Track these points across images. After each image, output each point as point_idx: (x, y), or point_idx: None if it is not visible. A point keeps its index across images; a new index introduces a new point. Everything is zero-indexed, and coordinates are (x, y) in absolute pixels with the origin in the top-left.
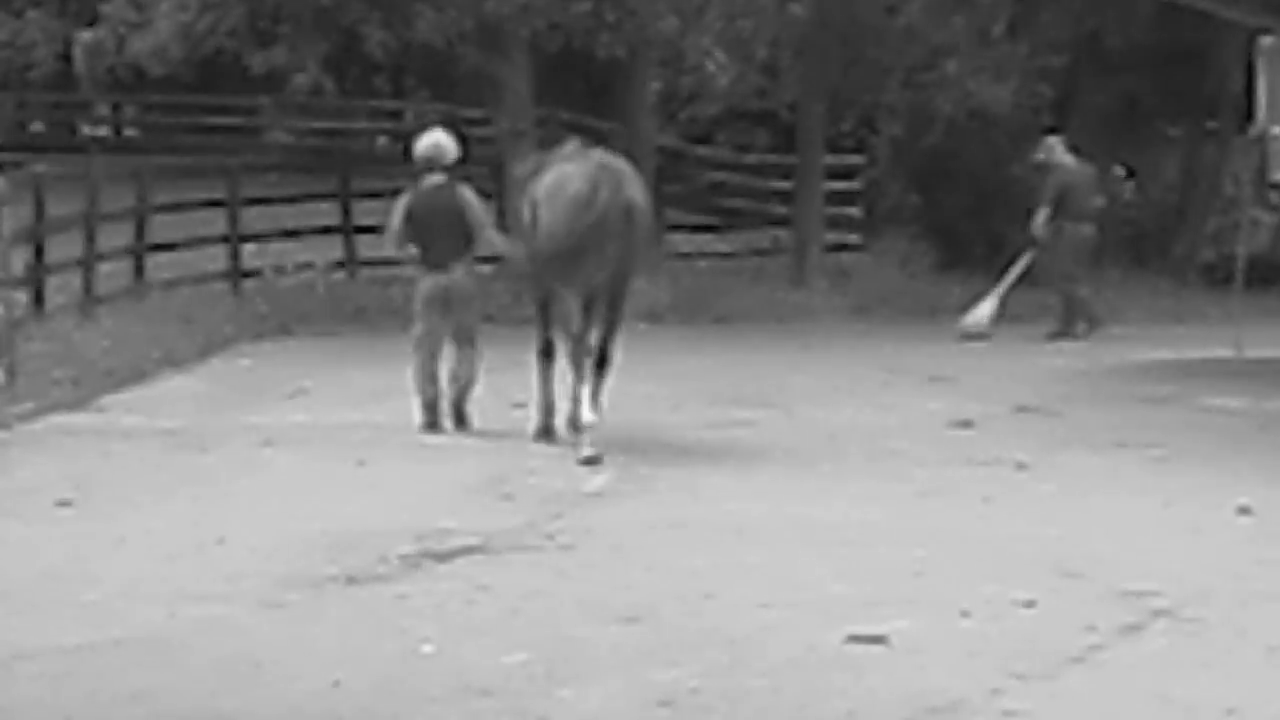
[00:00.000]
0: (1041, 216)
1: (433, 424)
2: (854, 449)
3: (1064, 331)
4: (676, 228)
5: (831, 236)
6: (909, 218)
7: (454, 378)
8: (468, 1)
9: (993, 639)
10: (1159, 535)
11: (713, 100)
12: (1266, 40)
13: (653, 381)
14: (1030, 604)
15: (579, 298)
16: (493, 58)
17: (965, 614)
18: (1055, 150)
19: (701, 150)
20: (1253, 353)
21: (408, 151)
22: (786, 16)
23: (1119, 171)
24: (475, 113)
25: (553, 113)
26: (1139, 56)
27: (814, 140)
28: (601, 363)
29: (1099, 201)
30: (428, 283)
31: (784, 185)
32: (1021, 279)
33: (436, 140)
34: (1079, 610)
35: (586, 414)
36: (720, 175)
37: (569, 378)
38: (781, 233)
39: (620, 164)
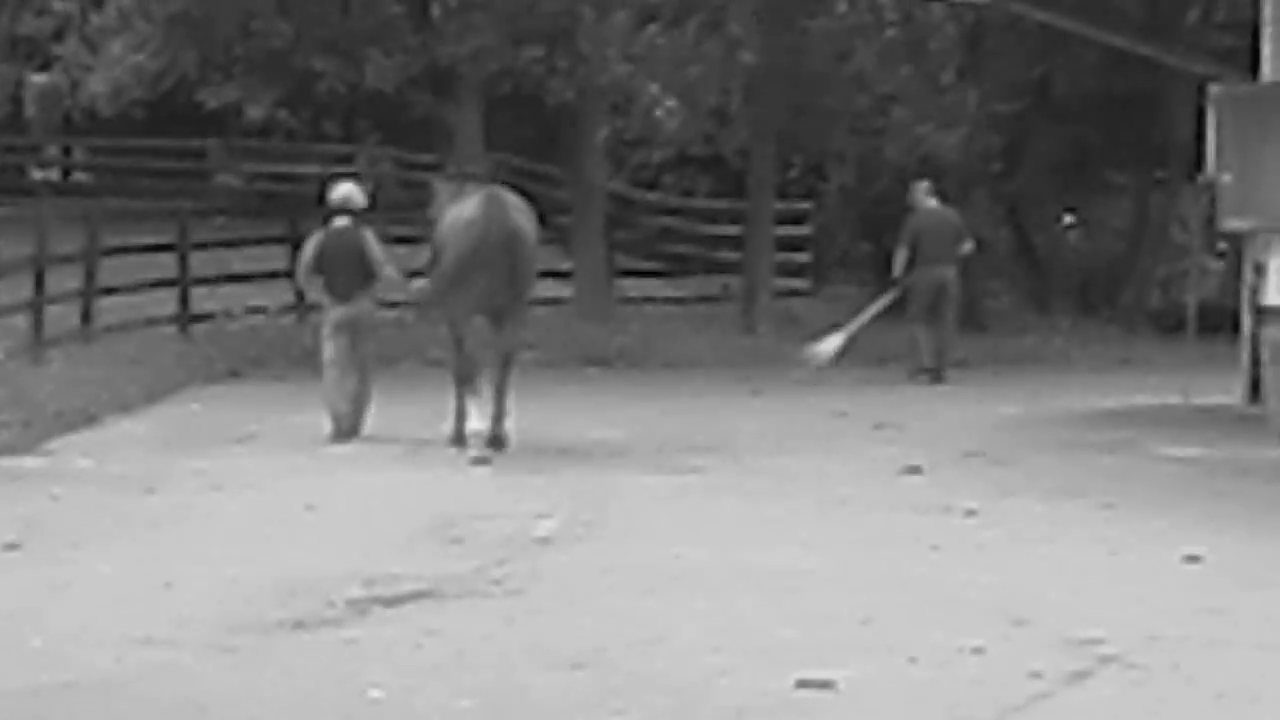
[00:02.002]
0: (899, 259)
1: (340, 435)
2: (803, 495)
3: (928, 369)
4: (626, 273)
5: (781, 282)
6: (858, 264)
7: (353, 398)
8: (418, 46)
9: (940, 685)
10: (1107, 582)
11: (661, 145)
12: (1216, 88)
13: (602, 427)
14: (978, 650)
15: (482, 318)
16: (443, 103)
17: (913, 660)
18: (917, 195)
19: (651, 196)
20: (1201, 400)
21: (322, 198)
22: (735, 63)
23: (1067, 219)
24: (426, 158)
25: (503, 158)
26: (1088, 104)
27: (764, 186)
28: (502, 378)
29: (966, 247)
30: (335, 312)
31: (733, 231)
32: (877, 318)
33: (347, 190)
34: (1026, 657)
35: (475, 423)
36: (669, 221)
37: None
38: (731, 279)
39: (509, 196)
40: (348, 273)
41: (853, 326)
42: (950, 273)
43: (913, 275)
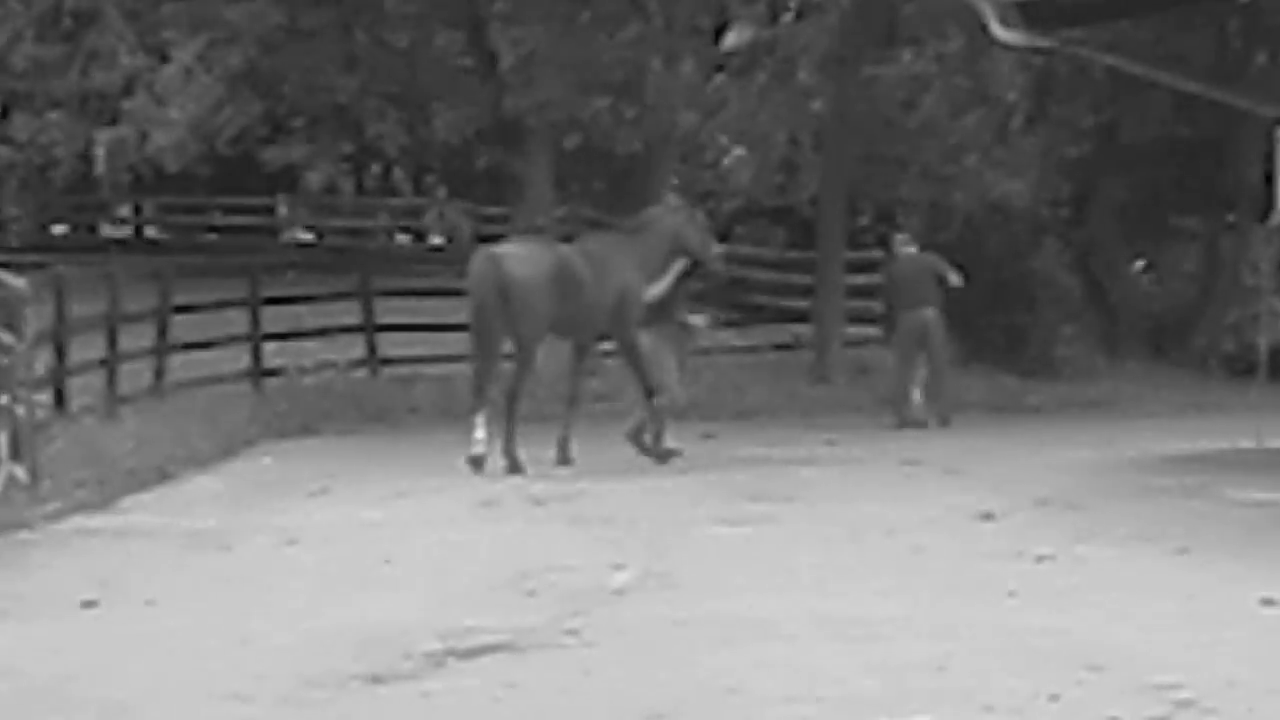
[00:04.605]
0: (891, 307)
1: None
2: (877, 543)
3: (904, 420)
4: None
5: (852, 331)
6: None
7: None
8: (485, 99)
9: None
10: (1182, 627)
11: (732, 195)
12: None
13: (674, 477)
14: (1055, 698)
15: (489, 359)
16: (512, 154)
17: (989, 708)
18: (895, 244)
19: (721, 245)
20: (1275, 443)
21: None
22: (804, 112)
23: (1138, 264)
24: (496, 210)
25: (573, 209)
26: (1157, 149)
27: (834, 235)
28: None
29: (953, 281)
30: None
31: (804, 280)
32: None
33: None
34: (1103, 703)
35: (478, 433)
36: (740, 271)
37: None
38: (802, 328)
39: (506, 248)
40: None
41: (916, 379)
42: (931, 314)
43: (896, 321)
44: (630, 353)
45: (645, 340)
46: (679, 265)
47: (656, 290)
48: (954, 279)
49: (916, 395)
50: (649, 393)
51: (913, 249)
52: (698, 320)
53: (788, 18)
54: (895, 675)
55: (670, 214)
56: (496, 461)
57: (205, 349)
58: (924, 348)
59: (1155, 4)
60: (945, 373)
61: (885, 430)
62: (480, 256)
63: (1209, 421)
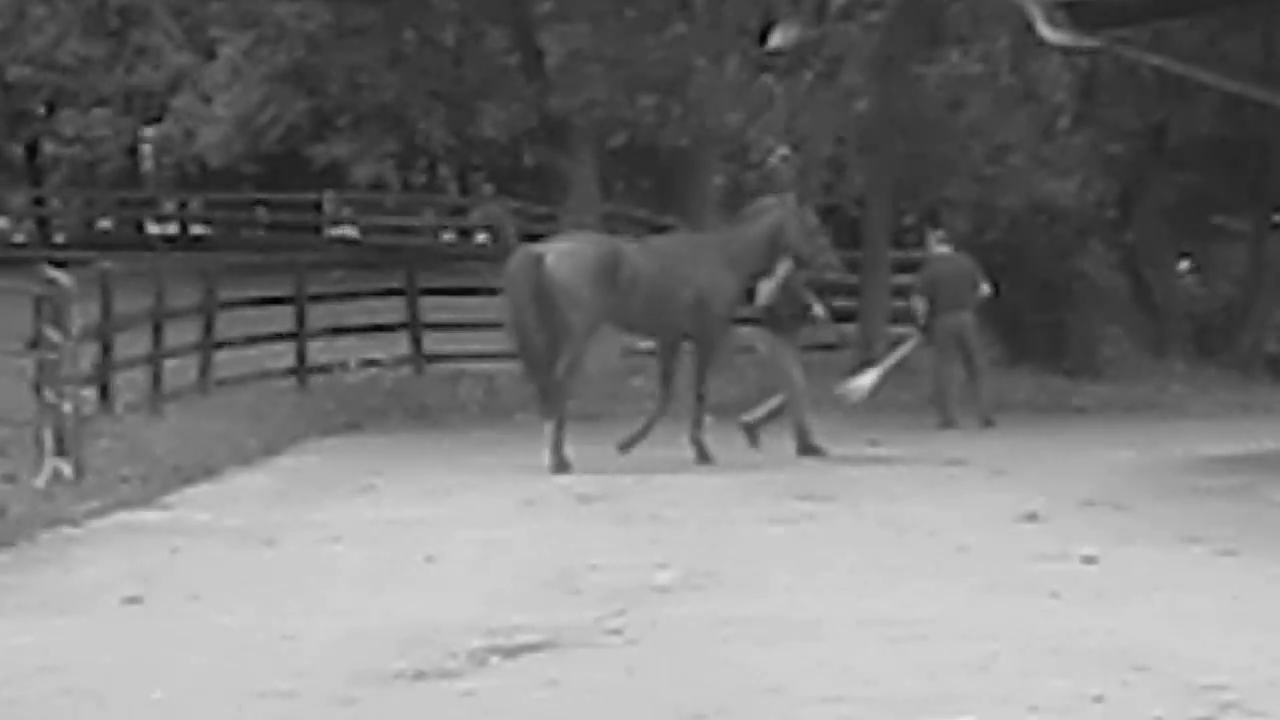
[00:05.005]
0: (919, 307)
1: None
2: (920, 543)
3: (948, 421)
4: (742, 321)
5: (896, 331)
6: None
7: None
8: (531, 97)
9: None
10: (1227, 628)
11: (777, 195)
12: None
13: (718, 475)
14: (1099, 699)
15: (538, 364)
16: (557, 152)
17: (1034, 709)
18: (929, 243)
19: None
20: None
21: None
22: (850, 112)
23: (1184, 264)
24: (543, 208)
25: (619, 207)
26: (1204, 150)
27: (879, 235)
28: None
29: (983, 292)
30: None
31: (849, 279)
32: (903, 362)
33: None
34: (1147, 704)
35: (548, 429)
36: None
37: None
38: (847, 327)
39: (548, 246)
40: None
41: (884, 366)
42: (967, 317)
43: (932, 322)
44: (704, 351)
45: (766, 345)
46: (785, 267)
47: (765, 292)
48: (984, 289)
49: (868, 380)
50: (700, 396)
51: (947, 248)
52: (820, 311)
53: (833, 14)
54: (938, 675)
55: (777, 209)
56: (543, 459)
57: (250, 346)
58: (961, 350)
59: (1202, 4)
60: (984, 375)
61: (928, 430)
62: (518, 257)
63: (1255, 422)
